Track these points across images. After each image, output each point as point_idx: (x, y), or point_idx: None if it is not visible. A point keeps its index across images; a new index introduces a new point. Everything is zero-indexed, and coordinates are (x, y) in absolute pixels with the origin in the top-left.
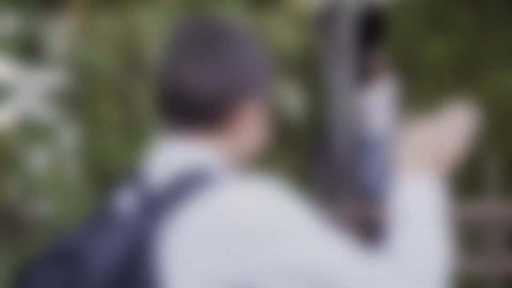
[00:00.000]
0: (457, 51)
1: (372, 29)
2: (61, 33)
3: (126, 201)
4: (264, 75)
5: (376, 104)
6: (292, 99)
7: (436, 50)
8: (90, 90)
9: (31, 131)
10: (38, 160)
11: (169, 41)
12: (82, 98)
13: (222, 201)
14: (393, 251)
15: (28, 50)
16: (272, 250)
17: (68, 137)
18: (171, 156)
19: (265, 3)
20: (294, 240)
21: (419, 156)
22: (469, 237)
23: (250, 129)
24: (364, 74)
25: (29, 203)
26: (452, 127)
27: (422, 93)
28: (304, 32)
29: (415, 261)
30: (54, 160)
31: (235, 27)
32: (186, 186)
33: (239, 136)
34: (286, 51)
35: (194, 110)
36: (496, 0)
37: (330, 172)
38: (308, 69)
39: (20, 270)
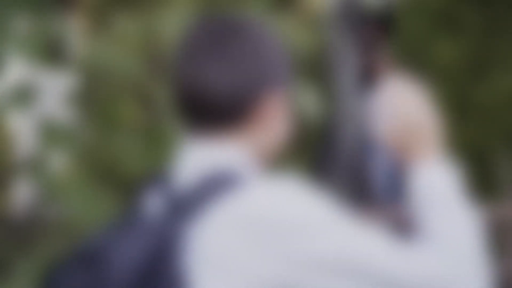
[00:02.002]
0: (466, 52)
1: (378, 29)
2: (78, 34)
3: (152, 203)
4: (283, 69)
5: (382, 105)
6: (308, 100)
7: (444, 51)
8: (109, 91)
9: (51, 134)
10: (58, 163)
11: (184, 40)
12: (101, 100)
13: (251, 200)
14: (427, 238)
15: (47, 52)
16: (307, 245)
17: (87, 139)
18: (196, 157)
19: (279, 5)
20: (328, 233)
21: (407, 143)
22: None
23: (273, 125)
24: (370, 74)
25: (49, 206)
26: (400, 103)
27: (429, 93)
28: (317, 33)
29: (453, 243)
30: (74, 162)
31: (250, 22)
32: (214, 187)
33: (263, 133)
34: (300, 52)
35: (216, 110)
36: (505, 1)
37: (337, 172)
38: (318, 70)
39: (46, 271)
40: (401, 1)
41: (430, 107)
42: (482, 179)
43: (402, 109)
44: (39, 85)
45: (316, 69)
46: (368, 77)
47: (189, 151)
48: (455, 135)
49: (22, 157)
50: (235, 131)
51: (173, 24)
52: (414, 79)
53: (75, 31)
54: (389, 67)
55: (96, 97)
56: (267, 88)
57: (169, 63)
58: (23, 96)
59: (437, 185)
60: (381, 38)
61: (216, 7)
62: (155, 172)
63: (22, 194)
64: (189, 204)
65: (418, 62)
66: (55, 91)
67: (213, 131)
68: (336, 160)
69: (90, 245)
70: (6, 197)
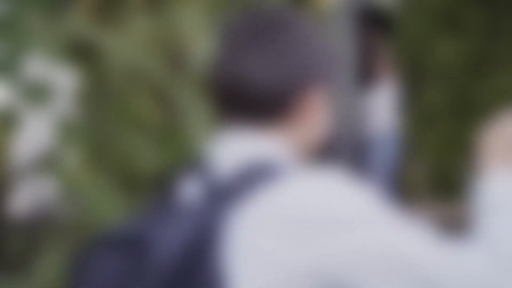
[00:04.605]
0: (466, 52)
1: (377, 28)
2: (94, 31)
3: (191, 192)
4: (326, 63)
5: (381, 104)
6: None
7: (445, 50)
8: (125, 89)
9: (66, 132)
10: (73, 161)
11: (224, 33)
12: (116, 98)
13: (291, 193)
14: (481, 240)
15: (62, 49)
16: (347, 238)
17: (102, 137)
18: (235, 147)
19: (290, 4)
20: (369, 226)
21: (508, 150)
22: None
23: (313, 119)
24: (368, 73)
25: (65, 203)
26: None
27: (430, 93)
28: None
29: (506, 250)
30: (89, 160)
31: (293, 16)
32: (253, 178)
33: (303, 127)
34: None
35: (257, 102)
36: (505, 1)
37: (338, 168)
38: None
39: (77, 257)
40: (402, 1)
41: None
42: None
43: None
44: (54, 82)
45: None
46: (368, 76)
47: (228, 141)
48: (455, 135)
49: (37, 155)
50: (275, 124)
51: (190, 21)
52: None
53: (90, 28)
54: (387, 66)
55: (111, 94)
56: (309, 82)
57: (189, 62)
58: (40, 94)
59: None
60: (381, 39)
61: (232, 5)
62: (192, 160)
63: (37, 192)
64: (228, 194)
65: (419, 62)
66: (70, 88)
67: (253, 123)
68: (336, 156)
69: (127, 230)
70: (20, 196)
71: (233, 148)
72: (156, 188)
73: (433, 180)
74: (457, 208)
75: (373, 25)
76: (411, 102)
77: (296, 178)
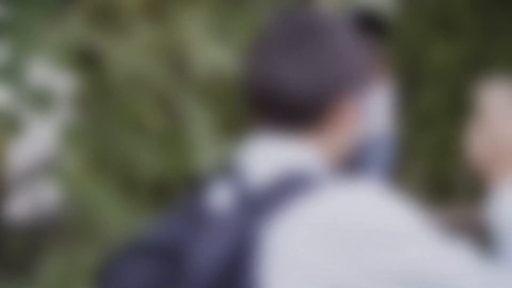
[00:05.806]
0: (462, 54)
1: (371, 31)
2: (97, 37)
3: (223, 199)
4: (362, 71)
5: (377, 106)
6: None
7: (441, 52)
8: (129, 95)
9: (68, 135)
10: (76, 165)
11: (261, 37)
12: (119, 103)
13: (328, 204)
14: (506, 260)
15: (67, 55)
16: (386, 255)
17: (105, 142)
18: (269, 155)
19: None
20: (408, 243)
21: (497, 159)
22: None
23: (347, 127)
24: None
25: (68, 207)
26: (504, 112)
27: (426, 95)
28: None
29: None
30: (91, 165)
31: (331, 20)
32: (289, 187)
33: (337, 135)
34: None
35: (292, 109)
36: (501, 3)
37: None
38: None
39: (103, 264)
40: (399, 4)
41: None
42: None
43: (498, 124)
44: (57, 87)
45: None
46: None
47: (260, 148)
48: (451, 137)
49: (39, 160)
50: (309, 132)
51: (192, 27)
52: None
53: (93, 34)
54: (385, 69)
55: (114, 100)
56: (345, 90)
57: (193, 68)
58: (42, 99)
59: None
60: (377, 41)
61: (236, 11)
62: (223, 167)
63: (39, 196)
64: (264, 204)
65: (415, 64)
66: (73, 93)
67: (287, 130)
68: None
69: (161, 238)
70: (22, 199)
71: (266, 156)
72: (160, 193)
73: (429, 182)
74: (452, 210)
75: (369, 27)
76: (407, 104)
77: (334, 189)
